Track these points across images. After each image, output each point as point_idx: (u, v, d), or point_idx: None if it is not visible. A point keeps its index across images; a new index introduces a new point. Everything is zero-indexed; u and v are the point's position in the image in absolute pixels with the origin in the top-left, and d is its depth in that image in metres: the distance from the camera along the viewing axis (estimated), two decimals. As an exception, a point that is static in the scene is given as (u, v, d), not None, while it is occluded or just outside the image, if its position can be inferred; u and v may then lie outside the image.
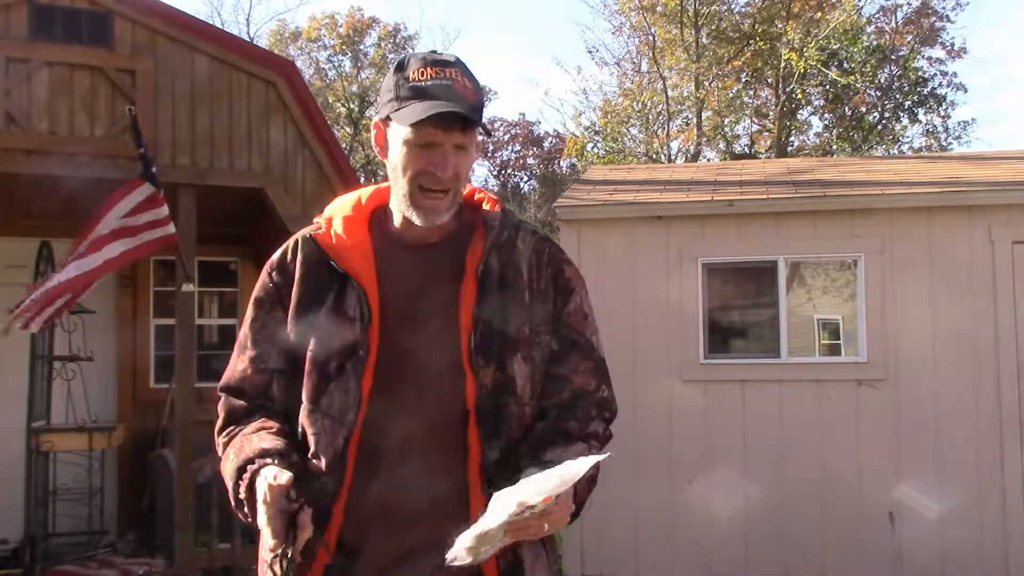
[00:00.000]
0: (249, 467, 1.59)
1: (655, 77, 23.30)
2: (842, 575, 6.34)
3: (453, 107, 1.61)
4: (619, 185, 8.20)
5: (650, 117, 23.71)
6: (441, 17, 50.81)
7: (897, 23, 23.91)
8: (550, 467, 1.51)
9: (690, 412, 6.52)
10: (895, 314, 6.40)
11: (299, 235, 1.81)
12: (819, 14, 22.02)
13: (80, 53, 6.09)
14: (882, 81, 23.21)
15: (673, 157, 23.07)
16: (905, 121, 23.76)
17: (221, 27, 19.15)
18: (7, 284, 6.71)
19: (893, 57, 23.18)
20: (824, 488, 6.36)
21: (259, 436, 1.66)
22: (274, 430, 1.68)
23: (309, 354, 1.70)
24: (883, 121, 23.94)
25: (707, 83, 22.82)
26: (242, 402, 1.75)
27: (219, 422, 1.77)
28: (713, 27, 22.74)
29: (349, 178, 7.01)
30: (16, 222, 7.17)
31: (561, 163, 29.68)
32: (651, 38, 23.34)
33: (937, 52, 24.02)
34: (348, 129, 27.17)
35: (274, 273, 1.79)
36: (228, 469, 1.66)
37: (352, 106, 27.93)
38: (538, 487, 1.44)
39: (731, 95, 24.06)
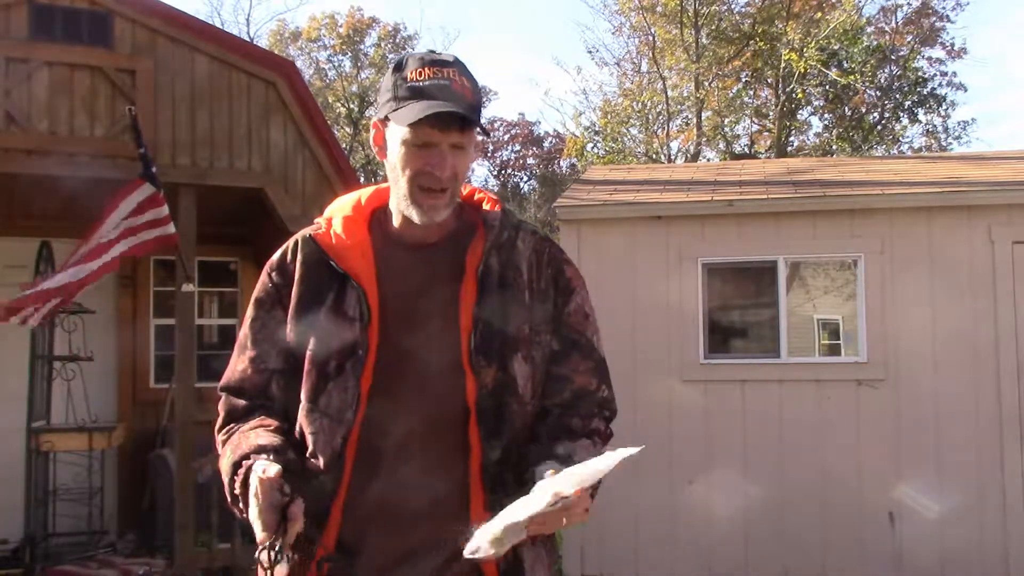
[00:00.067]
0: (244, 463, 1.59)
1: (655, 77, 23.30)
2: (842, 575, 6.34)
3: (450, 107, 1.61)
4: (619, 185, 8.20)
5: (650, 117, 23.71)
6: (441, 17, 50.85)
7: (897, 23, 23.92)
8: (561, 460, 1.53)
9: (690, 412, 6.52)
10: (895, 314, 6.40)
11: (299, 235, 1.81)
12: (819, 14, 22.02)
13: (80, 53, 6.09)
14: (882, 81, 23.20)
15: (673, 157, 23.07)
16: (905, 121, 23.78)
17: (221, 27, 19.16)
18: (7, 284, 6.70)
19: (893, 57, 23.19)
20: (824, 488, 6.36)
21: (256, 433, 1.66)
22: (272, 428, 1.68)
23: (309, 353, 1.71)
24: (883, 121, 23.95)
25: (707, 83, 22.83)
26: (242, 401, 1.76)
27: (219, 421, 1.77)
28: (713, 27, 22.74)
29: (349, 178, 7.02)
30: (16, 222, 7.17)
31: (561, 163, 29.69)
32: (651, 38, 23.35)
33: (937, 52, 24.05)
34: (348, 129, 27.17)
35: (274, 273, 1.79)
36: (224, 465, 1.67)
37: (352, 106, 27.94)
38: (570, 479, 1.43)
39: (731, 95, 24.06)
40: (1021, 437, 6.17)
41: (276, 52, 21.69)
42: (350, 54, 29.42)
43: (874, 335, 6.40)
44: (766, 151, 23.77)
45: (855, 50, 22.19)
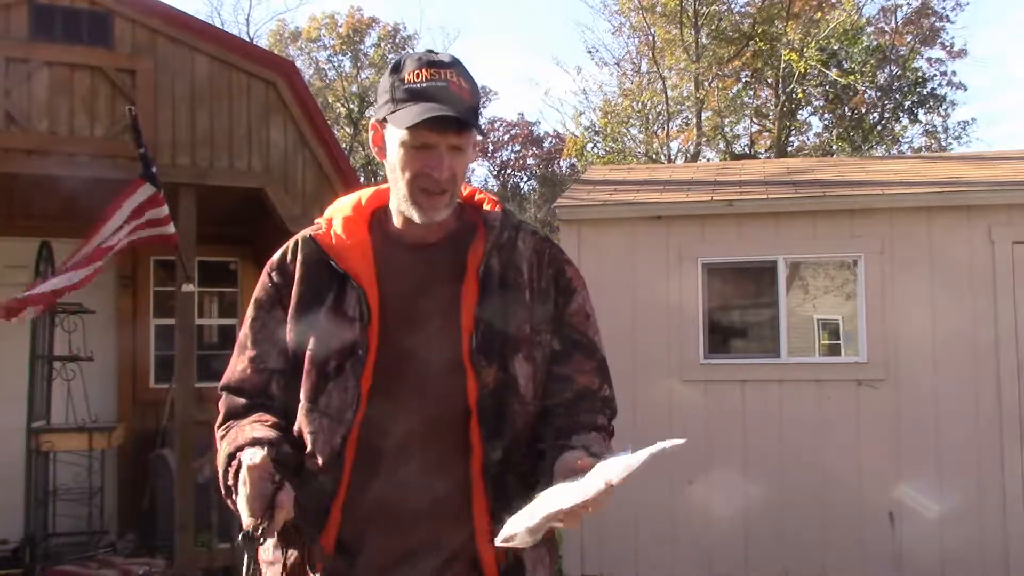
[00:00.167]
0: (238, 454, 1.59)
1: (655, 77, 23.30)
2: (842, 575, 6.34)
3: (447, 111, 1.62)
4: (619, 185, 8.20)
5: (650, 117, 23.71)
6: (441, 17, 50.86)
7: (897, 23, 23.93)
8: (578, 451, 1.54)
9: (690, 412, 6.52)
10: (895, 314, 6.40)
11: (299, 236, 1.82)
12: (819, 14, 22.02)
13: (80, 53, 6.09)
14: (882, 81, 23.20)
15: (673, 157, 23.07)
16: (905, 121, 23.78)
17: (221, 27, 19.16)
18: (7, 284, 6.71)
19: (893, 57, 23.19)
20: (824, 488, 6.36)
21: (252, 427, 1.66)
22: (269, 423, 1.69)
23: (308, 353, 1.71)
24: (883, 121, 23.95)
25: (707, 83, 22.82)
26: (242, 400, 1.76)
27: (219, 418, 1.78)
28: (713, 27, 22.74)
29: (349, 178, 7.02)
30: (16, 222, 7.17)
31: (561, 163, 29.68)
32: (651, 38, 23.35)
33: (937, 52, 24.06)
34: (348, 129, 27.17)
35: (274, 273, 1.80)
36: (220, 459, 1.67)
37: (352, 106, 27.94)
38: (619, 466, 1.43)
39: (731, 95, 24.06)
40: (1021, 437, 6.17)
41: (276, 52, 21.70)
42: (350, 54, 29.42)
43: (874, 335, 6.40)
44: (766, 151, 23.77)
45: (855, 50, 22.19)
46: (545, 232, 1.91)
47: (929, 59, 23.96)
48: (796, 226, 6.68)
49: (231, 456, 1.61)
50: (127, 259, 7.49)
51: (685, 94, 23.59)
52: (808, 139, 25.48)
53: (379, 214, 1.81)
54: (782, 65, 22.01)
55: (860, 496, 6.33)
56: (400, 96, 1.66)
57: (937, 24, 23.88)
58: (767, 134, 24.87)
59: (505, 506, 1.68)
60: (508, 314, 1.72)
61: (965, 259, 6.36)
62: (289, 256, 1.79)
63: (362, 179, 21.42)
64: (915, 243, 6.46)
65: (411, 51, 1.85)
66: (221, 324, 8.52)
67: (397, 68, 1.70)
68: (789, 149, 23.60)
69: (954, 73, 24.05)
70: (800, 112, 24.64)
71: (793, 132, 24.67)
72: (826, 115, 24.76)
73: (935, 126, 23.95)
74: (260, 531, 1.49)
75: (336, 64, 29.70)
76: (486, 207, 1.82)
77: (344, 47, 29.26)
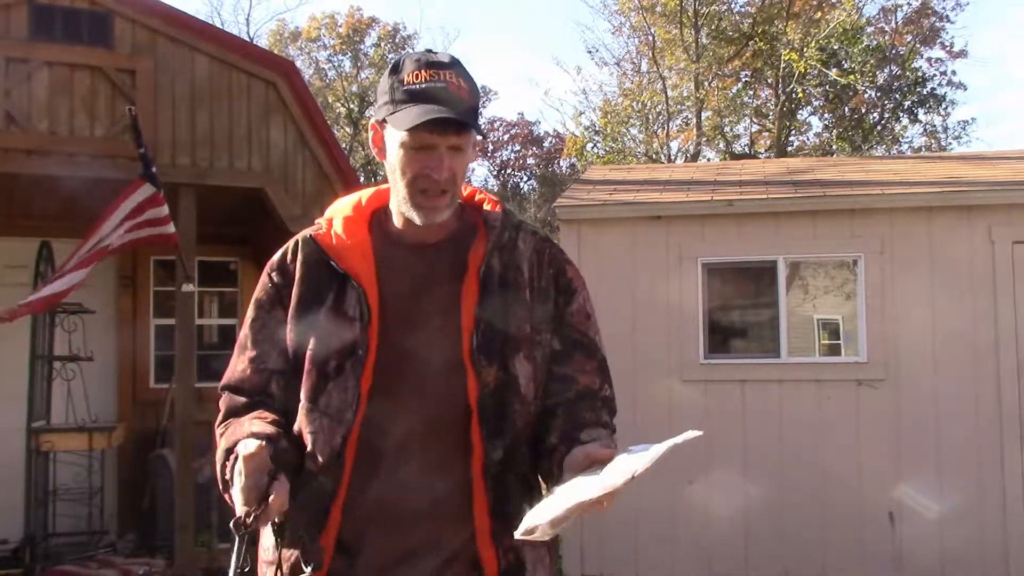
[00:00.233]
0: (236, 448, 1.59)
1: (655, 77, 23.29)
2: (842, 575, 6.34)
3: (446, 112, 1.62)
4: (619, 185, 8.20)
5: (650, 117, 23.70)
6: (441, 17, 50.86)
7: (897, 23, 23.92)
8: (591, 444, 1.55)
9: (690, 412, 6.52)
10: (895, 314, 6.40)
11: (299, 236, 1.82)
12: (819, 14, 22.02)
13: (80, 53, 6.09)
14: (882, 81, 23.20)
15: (673, 157, 23.07)
16: (905, 121, 23.77)
17: (221, 27, 19.16)
18: (7, 284, 6.71)
19: (893, 57, 23.18)
20: (824, 488, 6.36)
21: (251, 422, 1.66)
22: (269, 420, 1.68)
23: (309, 353, 1.71)
24: (883, 121, 23.95)
25: (707, 83, 22.82)
26: (242, 399, 1.76)
27: (219, 417, 1.78)
28: (713, 27, 22.74)
29: (349, 178, 7.02)
30: (16, 222, 7.16)
31: (561, 163, 29.68)
32: (651, 38, 23.34)
33: (937, 52, 24.06)
34: (348, 129, 27.17)
35: (274, 274, 1.80)
36: (218, 454, 1.67)
37: (352, 106, 27.94)
38: (644, 458, 1.44)
39: (731, 95, 24.06)
40: (1021, 437, 6.17)
41: (276, 52, 21.70)
42: (350, 54, 29.42)
43: (874, 335, 6.40)
44: (766, 151, 23.77)
45: (855, 50, 22.19)
46: (545, 232, 1.91)
47: (929, 59, 23.98)
48: (796, 226, 6.68)
49: (229, 451, 1.61)
50: (127, 259, 7.50)
51: (685, 94, 23.58)
52: (808, 139, 25.49)
53: (379, 214, 1.81)
54: (782, 65, 22.01)
55: (860, 496, 6.32)
56: (399, 97, 1.66)
57: (937, 24, 23.88)
58: (767, 134, 24.86)
59: (506, 506, 1.69)
60: (508, 314, 1.72)
61: (965, 259, 6.36)
62: (289, 256, 1.80)
63: (362, 179, 21.42)
64: (915, 243, 6.46)
65: (411, 51, 1.85)
66: (221, 324, 8.52)
67: (396, 69, 1.70)
68: (789, 149, 23.60)
69: (954, 73, 24.09)
70: (800, 112, 24.64)
71: (793, 132, 24.67)
72: (826, 115, 24.76)
73: (935, 126, 23.97)
74: (252, 518, 1.49)
75: (336, 64, 29.72)
76: (486, 207, 1.82)
77: (344, 47, 29.26)
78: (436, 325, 1.71)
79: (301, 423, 1.71)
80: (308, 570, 1.62)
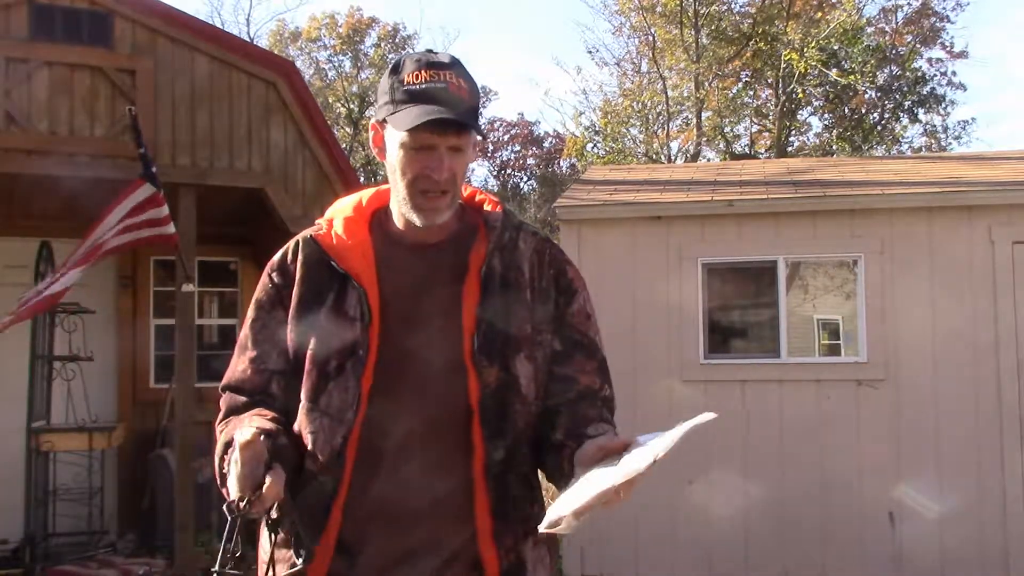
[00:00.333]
0: (234, 437, 1.58)
1: (655, 77, 23.29)
2: (842, 575, 6.34)
3: (446, 113, 1.62)
4: (619, 185, 8.20)
5: (650, 117, 23.70)
6: (441, 17, 50.87)
7: (897, 23, 23.92)
8: (602, 437, 1.56)
9: (690, 412, 6.47)
10: (895, 314, 6.40)
11: (300, 236, 1.82)
12: (819, 14, 22.02)
13: (80, 53, 6.09)
14: (882, 81, 23.20)
15: (673, 157, 23.07)
16: (905, 121, 23.77)
17: (221, 27, 19.16)
18: (7, 284, 6.71)
19: (893, 57, 23.18)
20: (824, 488, 6.36)
21: (251, 418, 1.66)
22: (268, 416, 1.68)
23: (309, 353, 1.71)
24: (883, 121, 23.95)
25: (707, 83, 22.82)
26: (243, 398, 1.76)
27: (220, 415, 1.78)
28: (713, 27, 22.74)
29: (349, 178, 7.02)
30: (16, 222, 7.16)
31: (561, 163, 29.68)
32: (651, 38, 23.34)
33: (937, 52, 24.06)
34: (348, 129, 27.17)
35: (275, 274, 1.80)
36: (217, 449, 1.68)
37: (352, 106, 27.94)
38: (663, 442, 1.45)
39: (731, 95, 24.06)
40: (1021, 437, 6.17)
41: (276, 52, 21.70)
42: (350, 54, 29.42)
43: (874, 335, 6.40)
44: (766, 151, 23.77)
45: (855, 50, 22.19)
46: (545, 232, 1.91)
47: (929, 59, 23.98)
48: (796, 226, 6.68)
49: (228, 444, 1.61)
50: (127, 259, 7.50)
51: (685, 94, 23.58)
52: (808, 139, 25.49)
53: (380, 214, 1.82)
54: (782, 65, 22.01)
55: (860, 496, 6.32)
56: (399, 97, 1.66)
57: (937, 24, 23.88)
58: (767, 134, 24.86)
59: (507, 506, 1.69)
60: (510, 314, 1.73)
61: (965, 259, 6.36)
62: (290, 257, 1.80)
63: (362, 179, 21.42)
64: (915, 243, 6.46)
65: (411, 51, 1.85)
66: (221, 324, 8.52)
67: (397, 69, 1.70)
68: (789, 149, 23.60)
69: (954, 73, 24.08)
70: (800, 112, 24.64)
71: (793, 132, 24.67)
72: (826, 115, 24.76)
73: (935, 126, 23.97)
74: (246, 503, 1.49)
75: (336, 64, 29.72)
76: (487, 208, 1.82)
77: (344, 47, 29.26)
78: (437, 326, 1.71)
79: (301, 423, 1.71)
80: (299, 562, 1.62)
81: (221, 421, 1.76)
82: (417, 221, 1.71)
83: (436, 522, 1.68)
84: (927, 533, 6.15)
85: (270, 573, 1.70)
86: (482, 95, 2.25)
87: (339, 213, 1.81)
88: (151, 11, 6.33)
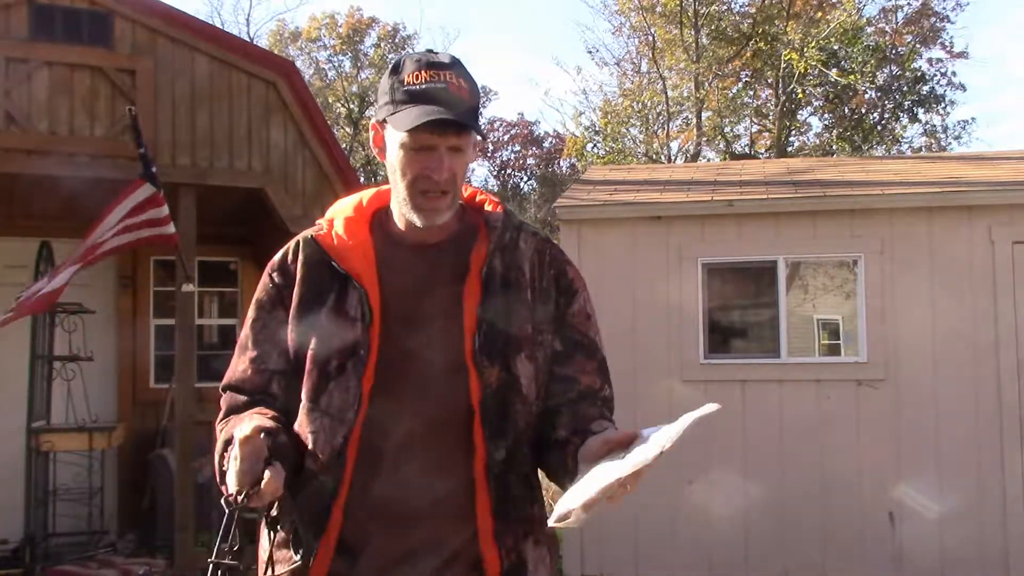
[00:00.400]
0: (233, 433, 1.58)
1: (655, 77, 23.30)
2: (842, 575, 6.34)
3: (446, 114, 1.62)
4: (619, 185, 8.20)
5: (650, 117, 23.70)
6: (441, 17, 50.89)
7: (897, 23, 23.91)
8: (608, 432, 1.56)
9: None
10: (895, 314, 6.40)
11: (300, 236, 1.82)
12: (819, 14, 22.02)
13: (80, 53, 6.09)
14: (882, 81, 23.20)
15: (673, 157, 23.07)
16: (905, 121, 23.77)
17: (221, 27, 19.17)
18: (7, 284, 6.71)
19: (893, 57, 23.18)
20: (824, 488, 6.36)
21: (251, 416, 1.66)
22: (269, 415, 1.69)
23: (310, 353, 1.71)
24: (883, 121, 23.94)
25: (707, 83, 22.82)
26: (243, 397, 1.76)
27: (220, 414, 1.78)
28: (713, 27, 22.74)
29: (349, 178, 7.02)
30: (16, 222, 7.16)
31: (561, 163, 29.68)
32: (651, 38, 23.34)
33: (937, 52, 24.05)
34: (348, 129, 27.18)
35: (275, 274, 1.80)
36: (217, 446, 1.68)
37: (352, 106, 27.94)
38: (669, 433, 1.45)
39: (731, 95, 24.06)
40: (1021, 437, 6.17)
41: (276, 52, 21.70)
42: (350, 54, 29.43)
43: (874, 335, 6.40)
44: (766, 151, 23.77)
45: (855, 50, 22.19)
46: (545, 233, 1.92)
47: (929, 59, 23.98)
48: (796, 226, 6.68)
49: (228, 442, 1.61)
50: (127, 259, 7.50)
51: (685, 94, 23.58)
52: (808, 139, 25.48)
53: (380, 215, 1.82)
54: (782, 65, 22.01)
55: (860, 496, 6.33)
56: (400, 98, 1.67)
57: (937, 24, 23.88)
58: (767, 134, 24.86)
59: (508, 506, 1.69)
60: (510, 314, 1.73)
61: (965, 259, 6.36)
62: (290, 257, 1.80)
63: (362, 179, 21.42)
64: (915, 243, 6.46)
65: (411, 51, 1.85)
66: (221, 324, 8.52)
67: (397, 69, 1.70)
68: (789, 149, 23.59)
69: (954, 73, 24.08)
70: (800, 112, 24.64)
71: (793, 132, 24.67)
72: (826, 115, 24.76)
73: (935, 126, 23.97)
74: (244, 496, 1.49)
75: (336, 64, 29.73)
76: (487, 208, 1.83)
77: (344, 47, 29.27)
78: (438, 326, 1.71)
79: (302, 423, 1.71)
80: (297, 558, 1.62)
81: (221, 420, 1.76)
82: (417, 221, 1.71)
83: (437, 522, 1.68)
84: (927, 533, 6.15)
85: (269, 572, 1.69)
86: (482, 95, 2.25)
87: (340, 213, 1.81)
88: (151, 11, 6.33)
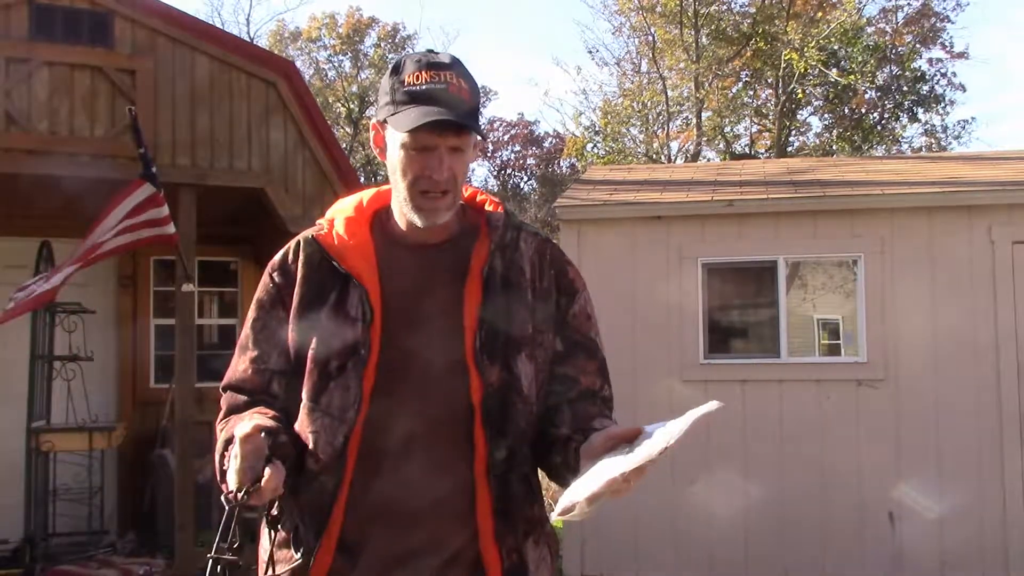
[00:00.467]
0: (234, 432, 1.59)
1: (655, 77, 23.30)
2: (842, 575, 6.34)
3: (446, 115, 1.62)
4: (619, 185, 8.20)
5: (650, 117, 23.70)
6: (441, 17, 50.93)
7: (897, 23, 23.91)
8: (610, 428, 1.57)
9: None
10: (895, 314, 6.40)
11: (301, 236, 1.82)
12: (819, 14, 22.02)
13: (80, 53, 6.09)
14: (882, 81, 23.19)
15: (673, 157, 23.07)
16: (905, 121, 23.77)
17: (221, 27, 19.17)
18: (7, 284, 6.70)
19: (893, 57, 23.18)
20: (824, 488, 6.36)
21: (251, 416, 1.66)
22: (269, 415, 1.68)
23: (310, 353, 1.71)
24: (883, 121, 23.94)
25: (707, 83, 22.81)
26: (243, 397, 1.76)
27: (220, 414, 1.78)
28: (713, 27, 22.73)
29: (349, 178, 7.02)
30: (16, 222, 7.16)
31: (561, 163, 29.68)
32: (651, 38, 23.34)
33: (937, 52, 24.05)
34: (348, 129, 27.18)
35: (275, 274, 1.80)
36: (218, 446, 1.68)
37: (352, 106, 27.94)
38: (673, 430, 1.46)
39: (731, 95, 24.05)
40: (1021, 437, 6.18)
41: (276, 52, 21.70)
42: (350, 54, 29.43)
43: (874, 335, 6.41)
44: (766, 151, 23.76)
45: (855, 50, 22.18)
46: (546, 233, 1.92)
47: (929, 59, 23.98)
48: (796, 226, 6.68)
49: (228, 441, 1.61)
50: (127, 259, 7.50)
51: (685, 94, 23.58)
52: (808, 139, 25.48)
53: (381, 215, 1.82)
54: (782, 65, 22.00)
55: (860, 496, 6.33)
56: (400, 98, 1.67)
57: (937, 24, 23.88)
58: (767, 134, 24.86)
59: (509, 506, 1.69)
60: (511, 314, 1.73)
61: (965, 259, 6.36)
62: (291, 257, 1.80)
63: (362, 179, 21.42)
64: (915, 243, 6.46)
65: (411, 51, 1.85)
66: (221, 324, 8.52)
67: (397, 69, 1.70)
68: (789, 149, 23.59)
69: (954, 73, 24.09)
70: (800, 112, 24.63)
71: (793, 132, 24.66)
72: (826, 115, 24.75)
73: (935, 126, 23.97)
74: (244, 493, 1.50)
75: (336, 64, 29.73)
76: (488, 208, 1.83)
77: (344, 47, 29.27)
78: (439, 326, 1.71)
79: (302, 422, 1.72)
80: (297, 557, 1.62)
81: (221, 420, 1.76)
82: (418, 221, 1.71)
83: (437, 522, 1.68)
84: (927, 533, 6.15)
85: (270, 572, 1.70)
86: (482, 95, 2.25)
87: (340, 213, 1.81)
88: (151, 11, 6.33)
